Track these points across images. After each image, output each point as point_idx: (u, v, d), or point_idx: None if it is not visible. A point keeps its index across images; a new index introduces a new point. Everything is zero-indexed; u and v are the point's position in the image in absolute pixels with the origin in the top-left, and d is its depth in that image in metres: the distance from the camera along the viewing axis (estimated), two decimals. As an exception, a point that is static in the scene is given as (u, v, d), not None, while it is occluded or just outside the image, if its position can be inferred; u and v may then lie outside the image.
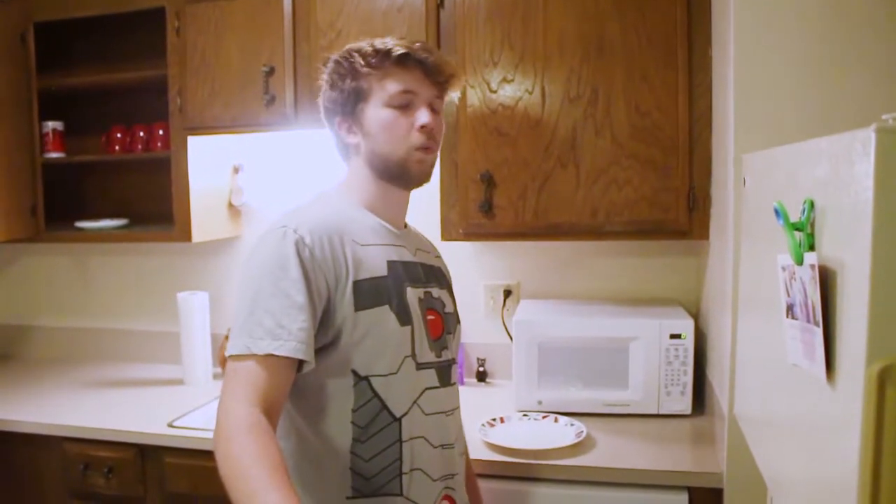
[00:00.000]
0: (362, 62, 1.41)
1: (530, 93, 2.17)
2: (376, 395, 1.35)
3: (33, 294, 3.20)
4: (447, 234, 2.27)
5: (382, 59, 1.40)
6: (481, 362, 2.63)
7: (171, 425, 2.25)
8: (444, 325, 1.51)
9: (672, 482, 1.84)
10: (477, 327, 2.64)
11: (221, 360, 2.73)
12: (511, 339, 2.35)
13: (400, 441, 1.37)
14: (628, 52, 2.11)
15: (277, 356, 1.23)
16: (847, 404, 0.76)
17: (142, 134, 2.77)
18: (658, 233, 2.17)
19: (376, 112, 1.41)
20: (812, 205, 0.88)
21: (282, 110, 2.38)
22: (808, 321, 0.87)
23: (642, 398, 2.17)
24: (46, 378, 2.82)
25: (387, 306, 1.36)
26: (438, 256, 1.67)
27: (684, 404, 2.16)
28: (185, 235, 2.57)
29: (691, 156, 2.11)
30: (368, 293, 1.34)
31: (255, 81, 2.39)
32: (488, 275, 2.66)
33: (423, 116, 1.42)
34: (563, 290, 2.59)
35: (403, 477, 1.37)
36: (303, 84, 2.36)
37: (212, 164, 2.69)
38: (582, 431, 2.03)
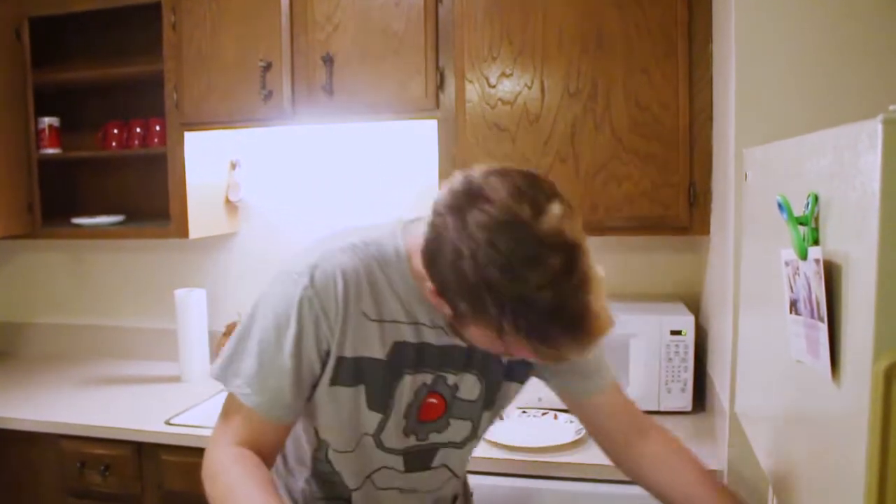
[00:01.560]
0: (503, 332, 1.02)
1: (529, 87, 2.15)
2: (329, 461, 1.33)
3: (30, 291, 3.18)
4: (446, 230, 2.26)
5: (528, 343, 1.03)
6: (480, 359, 2.61)
7: (168, 423, 2.24)
8: (447, 408, 1.33)
9: (672, 479, 1.83)
10: (476, 324, 2.62)
11: (219, 358, 2.72)
12: (510, 335, 2.33)
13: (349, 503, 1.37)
14: (628, 46, 2.09)
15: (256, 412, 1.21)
16: (853, 402, 0.75)
17: (138, 130, 2.75)
18: (658, 228, 2.16)
19: (480, 334, 1.07)
20: (816, 198, 0.86)
21: (279, 105, 2.36)
22: (813, 317, 0.86)
23: (643, 395, 2.15)
24: (43, 375, 2.81)
25: (362, 386, 1.25)
26: None
27: (685, 401, 2.15)
28: (182, 232, 2.56)
29: (692, 150, 2.09)
30: (349, 371, 1.23)
31: (251, 76, 2.37)
32: (487, 271, 2.64)
33: (522, 355, 1.09)
34: (562, 286, 2.57)
35: None
36: (300, 79, 2.35)
37: (209, 160, 2.67)
38: (581, 429, 2.01)
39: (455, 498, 1.51)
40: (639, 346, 2.14)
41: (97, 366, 2.93)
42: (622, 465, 1.47)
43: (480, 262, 0.98)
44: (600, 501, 1.86)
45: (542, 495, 1.88)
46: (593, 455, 1.91)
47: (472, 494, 1.61)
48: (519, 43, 2.16)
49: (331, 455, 1.32)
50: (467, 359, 1.31)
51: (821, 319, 0.83)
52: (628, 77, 2.10)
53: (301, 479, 1.39)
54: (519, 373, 1.39)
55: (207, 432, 2.13)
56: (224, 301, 2.86)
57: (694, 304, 2.40)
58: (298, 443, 1.38)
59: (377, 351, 1.24)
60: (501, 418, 1.46)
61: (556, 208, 1.01)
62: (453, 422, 1.35)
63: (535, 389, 2.19)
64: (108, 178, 2.98)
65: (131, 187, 2.94)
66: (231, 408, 1.25)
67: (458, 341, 1.25)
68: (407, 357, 1.26)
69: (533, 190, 1.02)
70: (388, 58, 2.27)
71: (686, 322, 2.14)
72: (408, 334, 1.25)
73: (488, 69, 2.18)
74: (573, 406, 1.47)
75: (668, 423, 2.09)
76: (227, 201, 2.79)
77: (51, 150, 2.76)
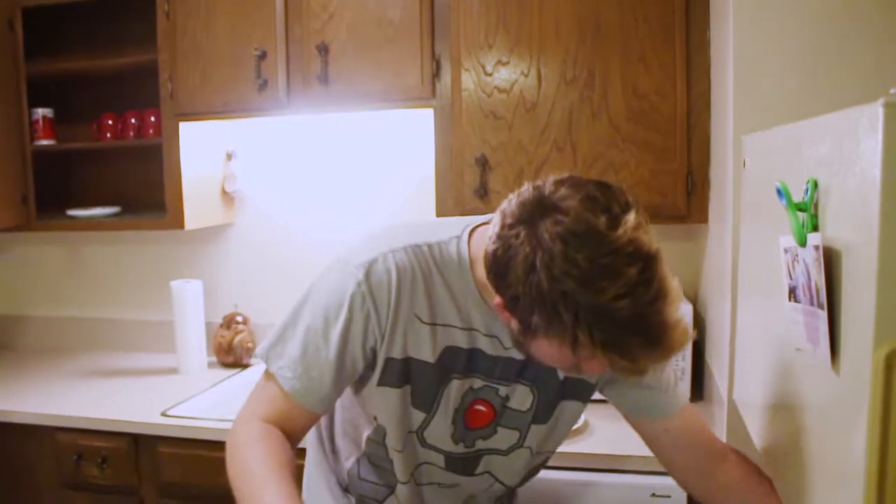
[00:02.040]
0: (580, 335, 0.98)
1: (526, 75, 2.14)
2: (385, 447, 1.32)
3: (25, 283, 3.17)
4: (443, 220, 2.25)
5: (604, 354, 1.00)
6: (478, 349, 2.60)
7: (164, 414, 2.23)
8: (496, 416, 1.30)
9: (671, 468, 1.83)
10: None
11: (216, 349, 2.71)
12: (508, 325, 2.32)
13: (393, 491, 1.37)
14: (625, 33, 2.08)
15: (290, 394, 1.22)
16: (853, 389, 0.74)
17: (133, 120, 2.74)
18: (656, 217, 2.10)
19: (548, 350, 1.06)
20: (815, 184, 0.85)
21: (274, 95, 2.34)
22: (812, 304, 0.85)
23: (640, 384, 2.15)
24: (39, 368, 2.80)
25: (409, 386, 1.25)
26: None
27: (683, 390, 2.14)
28: (178, 223, 2.54)
29: (689, 138, 2.08)
30: (397, 372, 1.23)
31: (246, 66, 2.36)
32: (485, 261, 2.63)
33: (596, 371, 1.08)
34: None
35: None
36: (295, 68, 2.33)
37: (204, 151, 2.66)
38: (581, 418, 2.01)
39: (504, 498, 1.50)
40: (637, 335, 2.13)
41: (93, 358, 2.92)
42: (702, 496, 1.41)
43: (555, 273, 0.96)
44: (604, 490, 1.86)
45: (540, 485, 1.87)
46: (592, 444, 1.91)
47: (516, 496, 1.58)
48: (515, 31, 2.14)
49: (388, 441, 1.31)
50: (520, 371, 1.28)
51: (820, 307, 0.82)
52: (626, 65, 2.09)
53: (350, 460, 1.39)
54: (580, 391, 1.34)
55: (205, 424, 2.15)
56: (221, 292, 2.85)
57: (692, 293, 2.39)
58: (354, 423, 1.37)
59: (427, 354, 1.23)
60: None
61: (631, 218, 1.00)
62: (500, 430, 1.33)
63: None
64: (104, 170, 2.96)
65: (127, 179, 2.92)
66: (267, 386, 1.25)
67: (513, 354, 1.23)
68: (457, 362, 1.25)
69: (607, 200, 1.01)
70: (383, 46, 2.25)
71: (684, 310, 2.12)
72: (460, 339, 1.24)
73: (484, 57, 2.16)
74: (645, 430, 1.38)
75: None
76: (223, 192, 2.78)
77: (45, 142, 2.74)
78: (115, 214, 2.77)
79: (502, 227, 1.07)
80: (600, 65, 2.10)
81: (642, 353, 1.00)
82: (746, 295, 1.42)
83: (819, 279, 0.82)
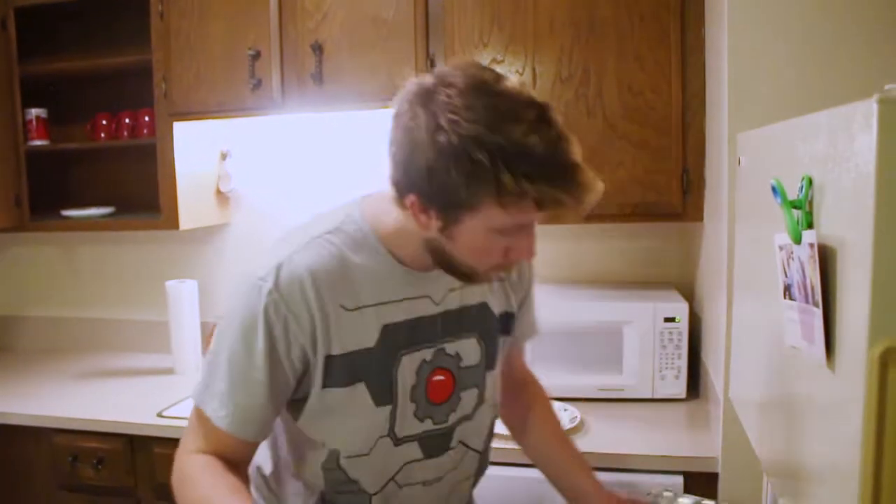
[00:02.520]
0: (497, 191, 1.01)
1: (521, 74, 2.14)
2: (342, 470, 1.26)
3: (20, 284, 3.16)
4: (438, 219, 2.24)
5: (517, 198, 1.03)
6: (474, 348, 2.60)
7: (160, 415, 2.22)
8: (455, 383, 1.30)
9: (667, 467, 1.83)
10: (469, 313, 2.62)
11: (211, 349, 2.70)
12: (504, 324, 2.32)
13: None
14: (620, 31, 2.08)
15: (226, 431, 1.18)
16: (848, 387, 0.74)
17: (127, 120, 2.73)
18: (651, 215, 2.15)
19: (475, 231, 1.08)
20: (810, 181, 0.85)
21: (268, 95, 2.34)
22: (807, 302, 0.85)
23: (636, 382, 2.15)
24: (34, 369, 2.79)
25: (362, 384, 1.21)
26: (502, 278, 1.37)
27: (679, 388, 2.14)
28: (173, 223, 2.54)
29: (685, 136, 2.08)
30: (341, 370, 1.19)
31: (240, 66, 2.35)
32: (480, 260, 2.63)
33: (526, 250, 1.14)
34: (555, 274, 2.56)
35: None
36: (289, 68, 2.33)
37: (199, 150, 2.65)
38: (576, 416, 2.01)
39: (475, 475, 1.46)
40: (632, 334, 2.14)
41: (88, 358, 2.92)
42: (507, 417, 1.57)
43: (463, 124, 1.00)
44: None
45: (536, 484, 1.87)
46: (588, 443, 1.91)
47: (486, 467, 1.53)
48: (510, 29, 2.14)
49: (343, 462, 1.25)
50: (461, 322, 1.30)
51: (815, 304, 0.82)
52: (620, 63, 2.09)
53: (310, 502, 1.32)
54: (507, 323, 1.41)
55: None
56: (216, 292, 2.84)
57: (688, 291, 2.39)
58: (302, 459, 1.30)
59: (366, 340, 1.20)
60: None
61: (513, 78, 1.10)
62: (463, 395, 1.32)
63: (529, 378, 2.19)
64: (98, 170, 2.95)
65: (121, 178, 2.91)
66: (200, 421, 1.21)
67: (448, 305, 1.26)
68: (399, 337, 1.23)
69: (485, 68, 1.10)
70: (377, 45, 2.25)
71: (680, 309, 2.13)
72: (396, 314, 1.22)
73: (479, 55, 2.16)
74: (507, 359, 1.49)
75: (662, 410, 2.10)
76: (218, 192, 2.77)
77: (39, 142, 2.73)
78: (110, 215, 2.76)
79: (396, 125, 1.08)
80: (595, 63, 2.10)
81: (565, 188, 1.03)
82: (742, 293, 1.41)
83: (814, 277, 0.82)
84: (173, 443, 2.11)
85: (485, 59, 2.15)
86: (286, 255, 1.18)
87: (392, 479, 1.29)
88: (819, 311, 0.81)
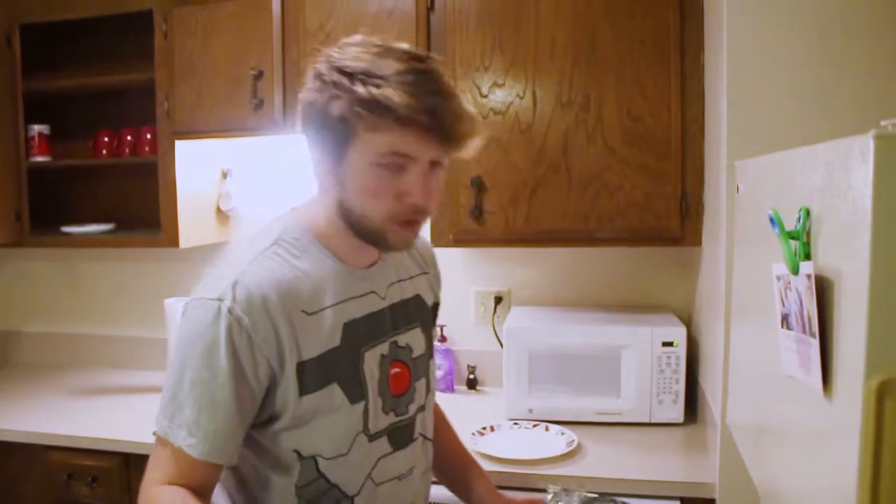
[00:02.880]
0: (352, 102, 1.11)
1: (521, 98, 2.15)
2: (322, 475, 1.25)
3: (18, 299, 3.16)
4: (437, 241, 2.25)
5: (378, 114, 1.11)
6: (471, 369, 2.60)
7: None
8: (411, 374, 1.37)
9: (664, 492, 1.82)
10: (467, 334, 2.62)
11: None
12: (502, 346, 2.33)
13: None
14: (620, 57, 2.10)
15: (192, 455, 1.16)
16: (845, 418, 0.74)
17: (129, 138, 2.74)
18: (650, 239, 2.16)
19: (358, 167, 1.16)
20: (808, 213, 0.86)
21: (270, 115, 2.35)
22: (804, 332, 0.85)
23: (634, 406, 2.15)
24: (30, 385, 2.79)
25: (335, 384, 1.22)
26: (426, 272, 1.49)
27: (676, 413, 2.14)
28: (173, 241, 2.54)
29: (684, 162, 2.09)
30: (314, 373, 1.20)
31: (243, 85, 2.36)
32: (479, 281, 2.64)
33: (415, 190, 1.17)
34: (554, 297, 2.57)
35: None
36: (291, 88, 2.34)
37: (200, 169, 2.66)
38: (573, 440, 2.01)
39: (431, 465, 1.50)
40: (630, 358, 2.14)
41: (86, 375, 2.91)
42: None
43: (336, 63, 1.14)
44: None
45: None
46: (585, 467, 1.91)
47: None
48: (511, 52, 2.16)
49: (323, 467, 1.25)
50: (405, 314, 1.38)
51: (812, 335, 0.83)
52: (620, 88, 2.10)
53: None
54: (436, 315, 1.53)
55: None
56: (214, 310, 2.84)
57: (686, 316, 2.40)
58: (272, 488, 1.27)
59: (332, 340, 1.23)
60: None
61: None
62: (418, 385, 1.39)
63: (525, 401, 2.19)
64: (99, 187, 2.96)
65: (122, 196, 2.92)
66: (165, 453, 1.18)
67: (393, 297, 1.35)
68: (359, 334, 1.27)
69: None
70: (380, 67, 2.26)
71: (678, 333, 2.13)
72: (351, 311, 1.27)
73: (480, 78, 2.18)
74: None
75: (659, 434, 2.10)
76: (218, 210, 2.78)
77: (41, 158, 2.74)
78: (110, 231, 2.76)
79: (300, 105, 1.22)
80: (595, 88, 2.11)
81: (437, 95, 1.12)
82: (740, 319, 1.42)
83: (811, 307, 0.82)
84: (169, 461, 2.14)
85: (486, 81, 2.17)
86: (238, 273, 1.19)
87: (368, 476, 1.30)
88: (816, 342, 0.81)
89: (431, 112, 1.11)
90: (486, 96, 2.18)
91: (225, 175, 2.79)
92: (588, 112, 2.12)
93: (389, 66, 1.12)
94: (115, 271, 3.03)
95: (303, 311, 1.20)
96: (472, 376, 2.60)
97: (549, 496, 1.55)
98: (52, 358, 3.09)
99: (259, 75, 2.34)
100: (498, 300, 2.61)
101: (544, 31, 2.13)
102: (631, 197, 2.11)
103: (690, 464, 1.92)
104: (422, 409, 1.41)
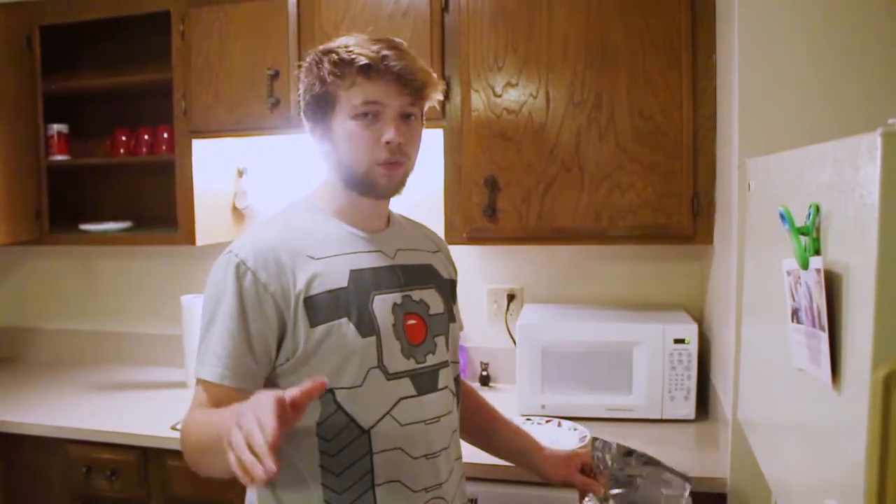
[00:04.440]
0: (328, 69, 1.34)
1: (534, 97, 2.17)
2: (340, 407, 1.32)
3: (37, 296, 3.20)
4: (451, 238, 2.27)
5: (345, 69, 1.33)
6: (485, 366, 2.62)
7: (174, 428, 2.24)
8: (427, 328, 1.44)
9: (676, 487, 1.84)
10: (480, 331, 2.64)
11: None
12: (514, 343, 2.35)
13: (371, 453, 1.33)
14: (632, 56, 2.11)
15: (214, 382, 1.30)
16: (853, 409, 0.76)
17: (146, 137, 2.77)
18: (662, 237, 2.17)
19: (342, 123, 1.35)
20: (818, 209, 0.88)
21: (286, 114, 2.38)
22: (814, 326, 0.87)
23: (646, 403, 2.16)
24: (50, 380, 2.83)
25: (345, 318, 1.32)
26: (437, 251, 1.60)
27: (688, 409, 2.16)
28: (189, 238, 2.58)
29: (695, 160, 2.11)
30: (323, 307, 1.32)
31: (259, 85, 2.39)
32: (492, 279, 2.66)
33: (388, 131, 1.34)
34: (566, 294, 2.58)
35: (377, 489, 1.34)
36: (307, 88, 2.36)
37: (216, 168, 2.69)
38: (585, 436, 2.02)
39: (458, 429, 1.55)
40: (642, 355, 2.15)
41: (104, 371, 2.95)
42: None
43: (320, 48, 1.38)
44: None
45: (546, 501, 1.89)
46: (597, 462, 1.92)
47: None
48: (524, 53, 2.18)
49: (339, 399, 1.32)
50: (417, 275, 1.47)
51: (821, 328, 0.85)
52: (632, 87, 2.12)
53: (316, 496, 1.34)
54: (454, 291, 1.61)
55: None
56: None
57: (697, 313, 2.41)
58: (301, 446, 1.33)
59: (338, 281, 1.34)
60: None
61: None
62: (437, 340, 1.45)
63: (538, 397, 2.21)
64: (116, 185, 3.00)
65: (139, 194, 2.95)
66: (198, 392, 1.32)
67: (403, 260, 1.45)
68: (367, 280, 1.37)
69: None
70: (394, 67, 2.28)
71: (689, 330, 2.15)
72: (358, 262, 1.38)
73: (494, 78, 2.20)
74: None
75: (671, 431, 2.11)
76: (235, 209, 2.81)
77: (59, 157, 2.78)
78: (127, 229, 2.80)
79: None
80: (607, 87, 2.13)
81: (397, 57, 1.32)
82: (751, 315, 1.44)
83: (820, 302, 0.84)
84: (187, 455, 2.16)
85: (499, 81, 2.19)
86: (252, 232, 1.41)
87: (388, 413, 1.35)
88: (825, 335, 0.83)
89: (388, 61, 1.32)
90: (499, 96, 2.20)
91: (241, 173, 2.82)
92: (600, 111, 2.14)
93: (356, 37, 1.36)
94: (133, 269, 3.07)
95: (308, 255, 1.34)
96: (485, 373, 2.62)
97: (592, 442, 1.67)
98: (70, 354, 3.13)
99: (275, 75, 2.37)
100: (511, 298, 2.63)
101: (557, 31, 2.15)
102: (643, 195, 2.13)
103: (702, 459, 1.94)
104: (444, 364, 1.46)
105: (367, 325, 1.34)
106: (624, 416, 2.18)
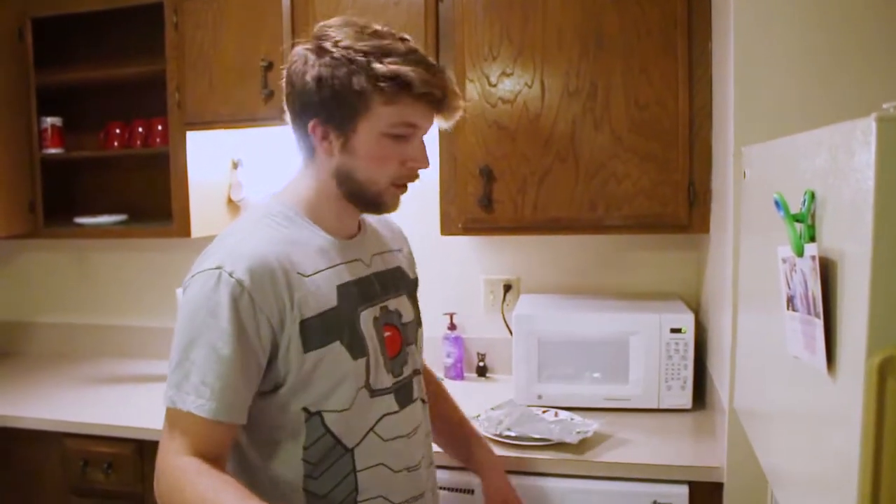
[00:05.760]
0: (370, 75, 1.22)
1: (529, 87, 2.16)
2: (328, 430, 1.29)
3: (32, 290, 3.19)
4: (446, 229, 2.27)
5: (393, 85, 1.22)
6: (481, 357, 2.62)
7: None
8: (402, 338, 1.42)
9: (672, 476, 1.84)
10: (477, 322, 2.64)
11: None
12: (511, 333, 2.34)
13: (354, 471, 1.32)
14: (627, 45, 2.10)
15: (204, 417, 1.19)
16: (848, 396, 0.76)
17: (140, 129, 2.76)
18: (658, 227, 2.17)
19: (370, 137, 1.26)
20: (812, 196, 0.87)
21: (280, 105, 2.34)
22: (809, 313, 0.87)
23: (643, 392, 2.16)
24: (46, 374, 2.82)
25: (337, 342, 1.27)
26: (400, 249, 1.57)
27: (685, 398, 2.16)
28: (185, 231, 2.57)
29: (691, 149, 2.10)
30: (317, 331, 1.25)
31: (253, 76, 2.38)
32: (488, 269, 2.66)
33: (417, 155, 1.29)
34: (562, 284, 2.58)
35: None
36: (301, 79, 2.35)
37: (211, 159, 2.68)
38: (587, 431, 2.02)
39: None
40: (639, 344, 2.15)
41: (100, 365, 2.94)
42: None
43: (341, 42, 1.23)
44: (604, 498, 1.86)
45: (542, 492, 1.89)
46: (594, 452, 1.92)
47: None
48: (519, 42, 2.17)
49: (328, 422, 1.29)
50: (391, 282, 1.44)
51: (817, 315, 0.84)
52: (628, 76, 2.11)
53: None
54: (416, 289, 1.58)
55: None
56: (226, 300, 2.86)
57: (694, 302, 2.41)
58: (274, 466, 1.31)
59: (329, 301, 1.28)
60: None
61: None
62: (408, 349, 1.44)
63: (535, 388, 2.21)
64: (111, 178, 2.98)
65: (133, 187, 2.94)
66: (177, 422, 1.22)
67: (377, 266, 1.41)
68: (352, 295, 1.32)
69: (355, 20, 1.31)
70: (388, 57, 2.27)
71: (686, 320, 2.15)
72: (342, 275, 1.33)
73: (489, 68, 2.19)
74: None
75: (668, 420, 2.11)
76: (230, 200, 2.80)
77: (53, 150, 2.77)
78: (122, 222, 2.79)
79: (289, 77, 1.32)
80: (603, 76, 2.12)
81: (430, 72, 1.25)
82: (747, 304, 1.43)
83: (815, 289, 0.84)
84: (183, 448, 2.16)
85: (494, 71, 2.18)
86: (233, 243, 1.27)
87: (371, 429, 1.33)
88: (820, 322, 0.83)
89: (442, 87, 1.25)
90: (494, 85, 2.19)
91: (235, 165, 2.81)
92: (595, 101, 2.13)
93: (397, 46, 1.25)
94: (128, 261, 3.06)
95: (299, 272, 1.26)
96: (481, 364, 2.62)
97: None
98: (66, 348, 3.12)
99: (269, 66, 2.36)
100: (507, 288, 2.62)
101: (552, 20, 2.14)
102: (638, 184, 2.13)
103: (699, 448, 1.94)
104: (416, 372, 1.47)
105: (358, 347, 1.30)
106: (621, 406, 2.18)
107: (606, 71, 2.12)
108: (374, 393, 1.33)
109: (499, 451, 1.91)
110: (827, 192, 0.83)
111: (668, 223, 2.14)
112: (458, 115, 1.32)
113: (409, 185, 1.35)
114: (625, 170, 2.13)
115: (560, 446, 1.92)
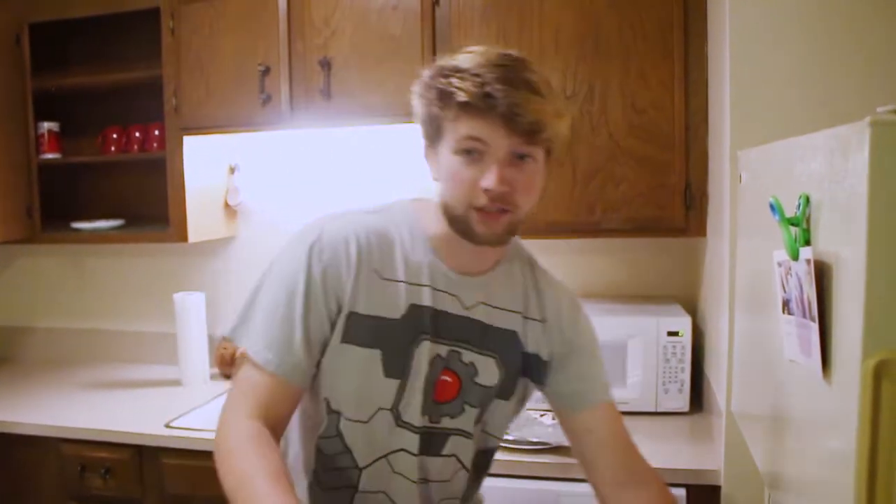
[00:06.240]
0: (434, 95, 1.21)
1: (526, 90, 2.16)
2: (340, 433, 1.28)
3: (29, 295, 3.19)
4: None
5: (447, 100, 1.18)
6: (479, 361, 2.61)
7: (168, 426, 2.24)
8: (460, 392, 1.31)
9: (670, 480, 1.81)
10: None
11: (218, 361, 2.73)
12: (508, 337, 2.34)
13: (356, 489, 1.30)
14: (624, 48, 2.11)
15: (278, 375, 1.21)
16: (843, 399, 0.76)
17: (137, 134, 2.76)
18: (655, 230, 2.17)
19: (446, 156, 1.22)
20: (807, 199, 0.87)
21: (277, 109, 2.37)
22: (804, 316, 0.87)
23: (640, 396, 2.16)
24: (43, 379, 2.82)
25: (378, 351, 1.24)
26: (543, 321, 1.37)
27: (682, 402, 2.16)
28: (182, 236, 2.57)
29: (688, 152, 2.10)
30: (363, 330, 1.24)
31: (250, 81, 2.38)
32: (485, 273, 2.65)
33: (488, 176, 1.17)
34: (560, 288, 2.58)
35: None
36: (298, 83, 2.36)
37: (208, 164, 2.68)
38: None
39: (465, 500, 1.43)
40: (636, 348, 2.15)
41: (97, 369, 2.94)
42: None
43: (435, 65, 1.24)
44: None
45: (537, 495, 1.89)
46: (591, 456, 1.92)
47: (482, 502, 1.53)
48: (516, 45, 2.14)
49: (342, 426, 1.27)
50: (485, 338, 1.31)
51: (812, 319, 0.84)
52: (624, 79, 2.11)
53: (301, 488, 1.33)
54: (536, 372, 1.38)
55: (208, 435, 2.15)
56: (223, 305, 2.87)
57: (691, 306, 2.41)
58: (298, 439, 1.35)
59: (393, 310, 1.25)
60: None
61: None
62: (467, 408, 1.32)
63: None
64: (108, 183, 2.98)
65: (130, 192, 2.94)
66: (243, 376, 1.25)
67: (475, 314, 1.30)
68: (424, 320, 1.26)
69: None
70: (385, 61, 2.28)
71: (683, 323, 2.15)
72: (423, 297, 1.26)
73: (485, 72, 2.19)
74: (573, 428, 1.43)
75: (665, 423, 2.11)
76: (226, 205, 2.80)
77: (50, 155, 2.77)
78: (119, 227, 2.79)
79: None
80: (600, 80, 2.13)
81: (500, 93, 1.14)
82: (743, 307, 1.43)
83: (811, 292, 0.84)
84: (181, 453, 2.17)
85: (491, 75, 2.18)
86: (332, 218, 1.31)
87: (384, 457, 1.30)
88: (815, 326, 0.83)
89: (493, 98, 1.15)
90: (491, 89, 2.18)
91: (233, 170, 2.81)
92: (592, 104, 2.13)
93: (471, 60, 1.19)
94: (125, 266, 3.06)
95: (375, 270, 1.25)
96: (479, 368, 2.61)
97: None
98: (63, 353, 3.12)
99: (266, 71, 2.36)
100: (504, 292, 2.61)
101: (548, 23, 2.14)
102: (635, 188, 2.13)
103: (696, 452, 1.94)
104: (461, 433, 1.33)
105: (396, 367, 1.25)
106: (618, 409, 2.17)
107: (603, 74, 2.12)
108: (399, 422, 1.28)
109: (496, 454, 1.91)
110: (822, 196, 0.84)
111: (665, 226, 2.15)
112: (547, 134, 1.21)
113: (500, 219, 1.22)
114: (622, 173, 2.13)
115: (558, 450, 1.92)
